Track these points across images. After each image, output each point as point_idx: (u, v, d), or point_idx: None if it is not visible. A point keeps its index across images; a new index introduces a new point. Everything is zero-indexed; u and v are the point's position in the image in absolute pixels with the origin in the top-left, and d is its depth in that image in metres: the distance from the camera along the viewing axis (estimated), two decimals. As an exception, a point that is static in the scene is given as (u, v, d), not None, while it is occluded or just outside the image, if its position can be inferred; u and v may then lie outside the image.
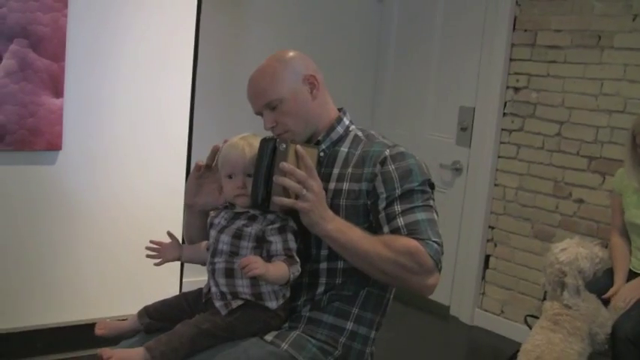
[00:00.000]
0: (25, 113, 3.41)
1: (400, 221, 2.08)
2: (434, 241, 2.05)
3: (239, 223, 2.13)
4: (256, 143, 2.10)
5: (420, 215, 2.09)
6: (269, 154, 2.04)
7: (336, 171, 2.21)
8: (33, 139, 3.46)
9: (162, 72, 3.80)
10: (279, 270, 2.03)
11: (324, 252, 2.17)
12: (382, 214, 2.11)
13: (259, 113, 2.26)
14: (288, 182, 1.99)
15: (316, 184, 2.03)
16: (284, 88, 2.20)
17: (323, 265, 2.18)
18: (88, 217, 3.73)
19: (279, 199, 2.00)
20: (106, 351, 2.04)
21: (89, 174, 3.69)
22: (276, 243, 2.07)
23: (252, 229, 2.09)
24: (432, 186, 2.19)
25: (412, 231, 2.06)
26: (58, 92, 3.48)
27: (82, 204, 3.69)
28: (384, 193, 2.12)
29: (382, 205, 2.12)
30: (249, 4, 4.75)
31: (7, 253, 3.56)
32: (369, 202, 2.15)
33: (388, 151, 2.17)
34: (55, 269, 3.69)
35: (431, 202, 2.16)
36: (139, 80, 3.74)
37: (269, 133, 2.23)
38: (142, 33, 3.71)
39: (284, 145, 2.02)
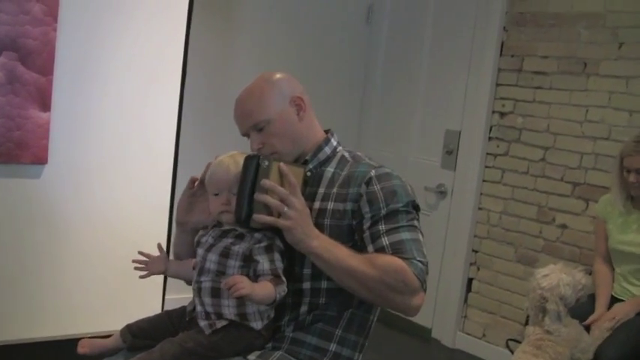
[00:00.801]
0: (12, 126, 3.40)
1: (385, 240, 2.08)
2: (419, 261, 2.06)
3: (226, 241, 2.12)
4: (242, 161, 2.10)
5: (405, 235, 2.10)
6: (252, 170, 2.03)
7: (321, 190, 2.21)
8: (19, 152, 3.44)
9: (150, 88, 3.80)
10: (266, 290, 2.02)
11: (307, 271, 2.16)
12: (367, 234, 2.11)
13: (246, 134, 2.27)
14: (269, 200, 1.99)
15: (298, 201, 2.03)
16: (271, 109, 2.21)
17: (306, 285, 2.17)
18: (72, 232, 3.71)
19: (259, 217, 2.00)
20: None
21: (74, 188, 3.67)
22: (263, 262, 2.06)
23: (240, 248, 2.09)
24: (416, 207, 2.19)
25: (397, 250, 2.06)
26: (46, 106, 3.47)
27: (66, 218, 3.68)
28: (368, 213, 2.12)
29: (367, 224, 2.12)
30: (238, 24, 4.77)
31: (-11, 266, 3.54)
32: (353, 222, 2.15)
33: (374, 171, 2.18)
34: (37, 283, 3.66)
35: (415, 223, 2.16)
36: (126, 96, 3.74)
37: None
38: (130, 49, 3.71)
39: (266, 163, 2.03)
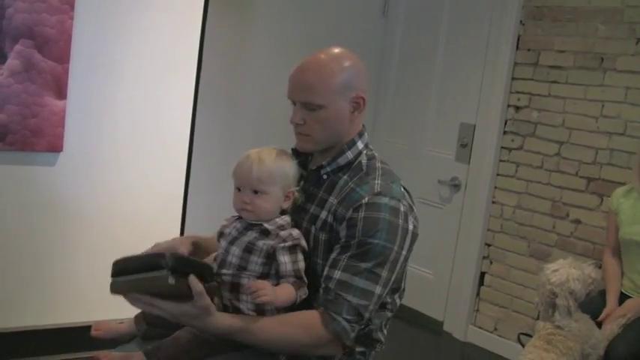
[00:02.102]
0: (28, 114, 3.42)
1: (337, 274, 2.02)
2: (345, 319, 2.00)
3: (251, 235, 2.11)
4: (269, 161, 2.10)
5: (359, 281, 2.01)
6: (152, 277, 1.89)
7: (331, 200, 2.15)
8: (34, 140, 3.46)
9: (165, 77, 3.81)
10: (287, 294, 2.02)
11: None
12: (333, 255, 2.07)
13: (292, 101, 2.18)
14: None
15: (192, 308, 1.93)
16: (331, 97, 2.12)
17: (315, 287, 2.13)
18: (86, 220, 3.73)
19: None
20: (103, 354, 2.03)
21: (89, 177, 3.69)
22: (286, 264, 2.04)
23: (265, 245, 2.07)
24: (399, 255, 2.08)
25: (335, 296, 2.01)
26: (61, 94, 3.49)
27: (80, 206, 3.70)
28: (343, 238, 2.06)
29: (337, 246, 2.07)
30: (254, 15, 4.77)
31: (3, 252, 3.56)
32: (335, 242, 2.10)
33: (367, 198, 2.06)
34: (51, 270, 3.68)
35: (383, 273, 2.04)
36: (142, 85, 3.75)
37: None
38: (146, 38, 3.72)
39: (172, 281, 1.85)
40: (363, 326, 2.07)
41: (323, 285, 2.05)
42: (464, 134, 4.95)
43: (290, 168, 2.17)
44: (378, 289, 2.03)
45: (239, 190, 2.14)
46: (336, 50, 2.19)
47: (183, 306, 1.91)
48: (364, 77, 2.20)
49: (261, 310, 2.07)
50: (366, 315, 2.03)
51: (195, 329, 2.01)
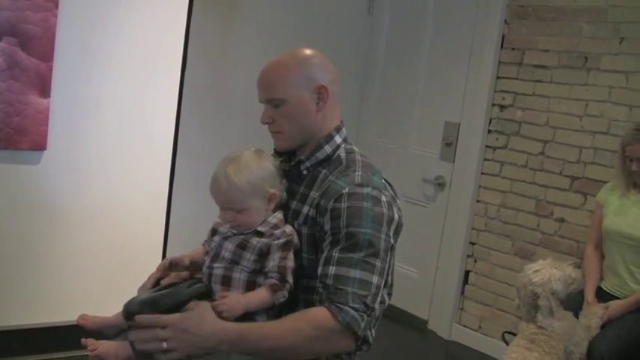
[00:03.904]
0: (11, 112, 3.40)
1: (332, 269, 2.01)
2: (352, 307, 1.97)
3: (245, 234, 2.13)
4: (236, 177, 2.08)
5: (355, 272, 2.00)
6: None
7: (313, 194, 2.16)
8: (18, 138, 3.44)
9: (150, 75, 3.80)
10: (260, 300, 2.02)
11: (299, 271, 2.14)
12: (324, 254, 2.06)
13: (260, 101, 2.23)
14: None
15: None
16: (290, 90, 2.15)
17: (302, 282, 2.14)
18: (70, 218, 3.72)
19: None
20: (91, 341, 2.03)
21: (73, 175, 3.67)
22: (274, 260, 2.06)
23: (259, 243, 2.08)
24: (388, 243, 2.08)
25: (336, 290, 1.99)
26: (45, 92, 3.47)
27: (64, 205, 3.68)
28: (329, 232, 2.06)
29: (326, 243, 2.06)
30: (240, 14, 4.76)
31: (-14, 252, 3.55)
32: (319, 235, 2.11)
33: (348, 188, 2.07)
34: (35, 269, 3.67)
35: (377, 262, 2.04)
36: (126, 83, 3.74)
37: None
38: (131, 36, 3.71)
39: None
40: (370, 317, 2.05)
41: (320, 284, 2.04)
42: (448, 133, 4.95)
43: (263, 172, 2.14)
44: (375, 279, 2.03)
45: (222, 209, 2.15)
46: (298, 49, 2.25)
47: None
48: (328, 69, 2.24)
49: None
50: (370, 305, 2.02)
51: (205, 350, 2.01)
